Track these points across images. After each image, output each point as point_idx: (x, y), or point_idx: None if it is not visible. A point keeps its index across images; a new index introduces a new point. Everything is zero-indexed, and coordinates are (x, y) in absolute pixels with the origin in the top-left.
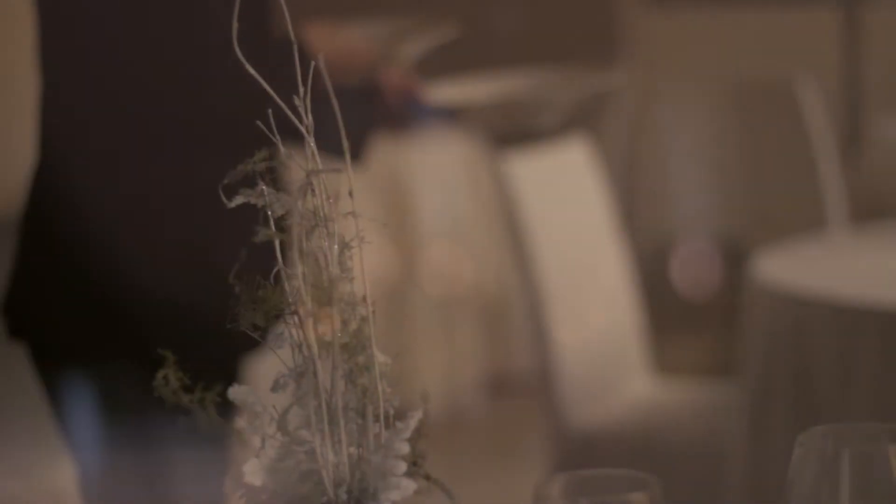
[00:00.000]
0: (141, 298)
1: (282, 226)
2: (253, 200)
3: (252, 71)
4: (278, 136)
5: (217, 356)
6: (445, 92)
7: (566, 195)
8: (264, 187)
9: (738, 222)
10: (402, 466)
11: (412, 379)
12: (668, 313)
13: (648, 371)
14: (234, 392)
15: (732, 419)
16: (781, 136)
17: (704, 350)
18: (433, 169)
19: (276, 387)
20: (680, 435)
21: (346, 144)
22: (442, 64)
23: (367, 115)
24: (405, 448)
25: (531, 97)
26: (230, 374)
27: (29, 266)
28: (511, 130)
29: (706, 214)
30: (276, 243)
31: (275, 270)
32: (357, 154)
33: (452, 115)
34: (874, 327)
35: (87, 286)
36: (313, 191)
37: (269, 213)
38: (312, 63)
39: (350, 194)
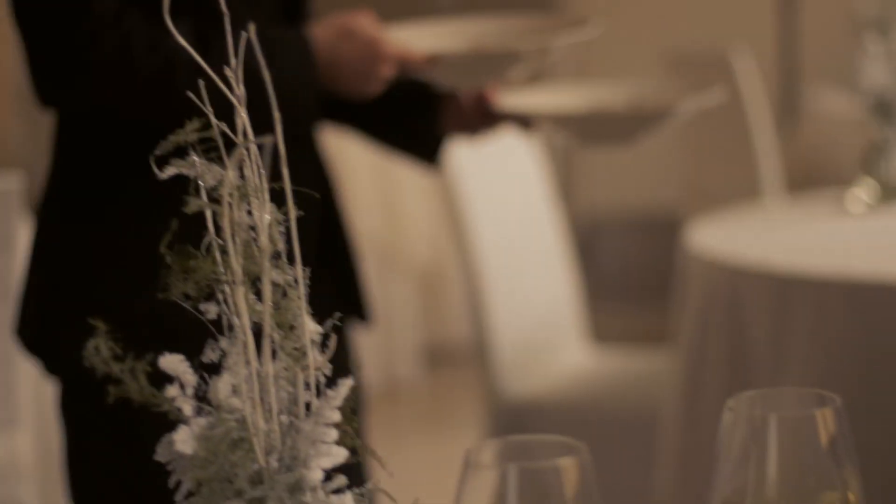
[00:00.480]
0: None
1: (215, 196)
2: (185, 171)
3: (182, 42)
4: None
5: None
6: (524, 98)
7: (503, 166)
8: (195, 158)
9: (673, 192)
10: (333, 434)
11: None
12: (603, 283)
13: (584, 340)
14: (165, 361)
15: (667, 387)
16: (717, 107)
17: (640, 319)
18: None
19: (207, 355)
20: (615, 403)
21: (276, 116)
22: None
23: (440, 119)
24: (336, 416)
25: (634, 110)
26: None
27: (50, 290)
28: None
29: (642, 185)
30: (208, 213)
31: (206, 241)
32: (434, 159)
33: (528, 123)
34: (807, 296)
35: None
36: (245, 162)
37: (201, 183)
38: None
39: (282, 166)
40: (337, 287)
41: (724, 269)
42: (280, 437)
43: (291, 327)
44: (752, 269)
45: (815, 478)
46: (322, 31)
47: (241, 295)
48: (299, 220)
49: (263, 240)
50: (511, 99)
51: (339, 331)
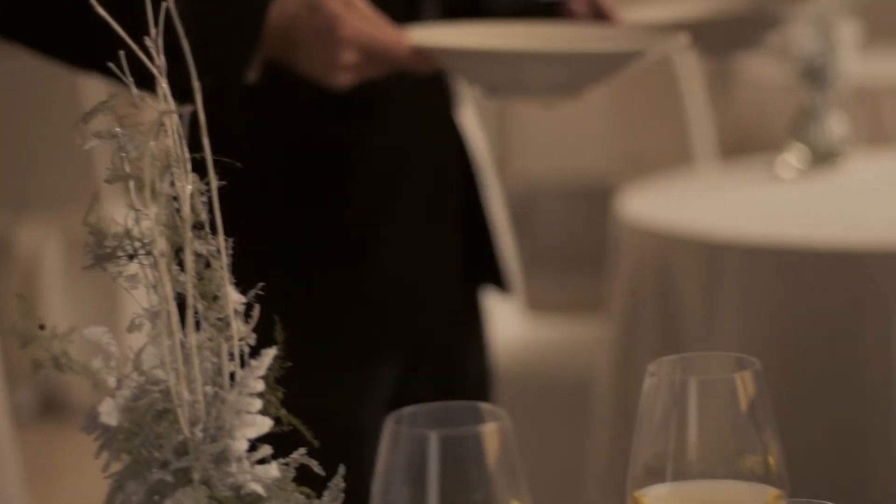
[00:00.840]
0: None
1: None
2: (106, 142)
3: (103, 12)
4: None
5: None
6: (646, 13)
7: None
8: (118, 129)
9: (606, 160)
10: (258, 404)
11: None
12: (538, 252)
13: (519, 309)
14: (89, 332)
15: (600, 355)
16: (648, 73)
17: (575, 287)
18: None
19: (131, 327)
20: (550, 371)
21: (196, 86)
22: None
23: None
24: (260, 385)
25: (762, 14)
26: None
27: None
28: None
29: (575, 153)
30: (130, 184)
31: (128, 212)
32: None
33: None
34: (738, 262)
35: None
36: (166, 131)
37: (124, 154)
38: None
39: (203, 136)
40: (476, 256)
41: (654, 236)
42: (205, 408)
43: (215, 297)
44: (682, 235)
45: (736, 441)
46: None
47: (164, 266)
48: (443, 192)
49: (185, 210)
50: (633, 15)
51: (473, 300)
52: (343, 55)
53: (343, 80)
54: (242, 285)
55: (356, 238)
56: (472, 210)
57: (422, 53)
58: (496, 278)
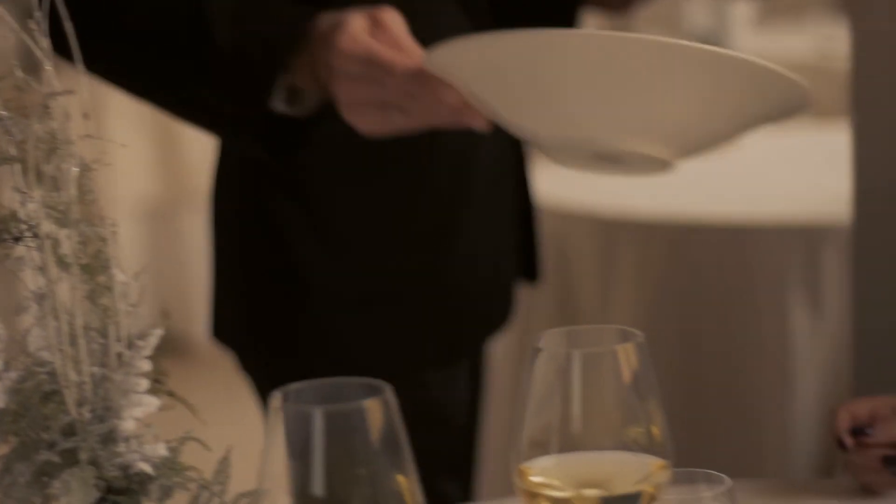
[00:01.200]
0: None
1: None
2: None
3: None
4: None
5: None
6: None
7: None
8: (2, 112)
9: None
10: (145, 384)
11: (185, 301)
12: None
13: None
14: None
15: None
16: None
17: None
18: None
19: (18, 309)
20: None
21: (77, 57)
22: None
23: None
24: (146, 366)
25: None
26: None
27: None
28: None
29: None
30: (14, 168)
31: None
32: None
33: None
34: (632, 238)
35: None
36: (52, 114)
37: (10, 137)
38: None
39: (86, 116)
40: (522, 245)
41: (550, 214)
42: (92, 389)
43: (102, 278)
44: (577, 212)
45: (620, 413)
46: (330, 17)
47: (49, 248)
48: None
49: (72, 192)
50: None
51: (509, 294)
52: (341, 62)
53: (348, 93)
54: (321, 271)
55: (434, 227)
56: (521, 198)
57: (427, 76)
58: (530, 268)
